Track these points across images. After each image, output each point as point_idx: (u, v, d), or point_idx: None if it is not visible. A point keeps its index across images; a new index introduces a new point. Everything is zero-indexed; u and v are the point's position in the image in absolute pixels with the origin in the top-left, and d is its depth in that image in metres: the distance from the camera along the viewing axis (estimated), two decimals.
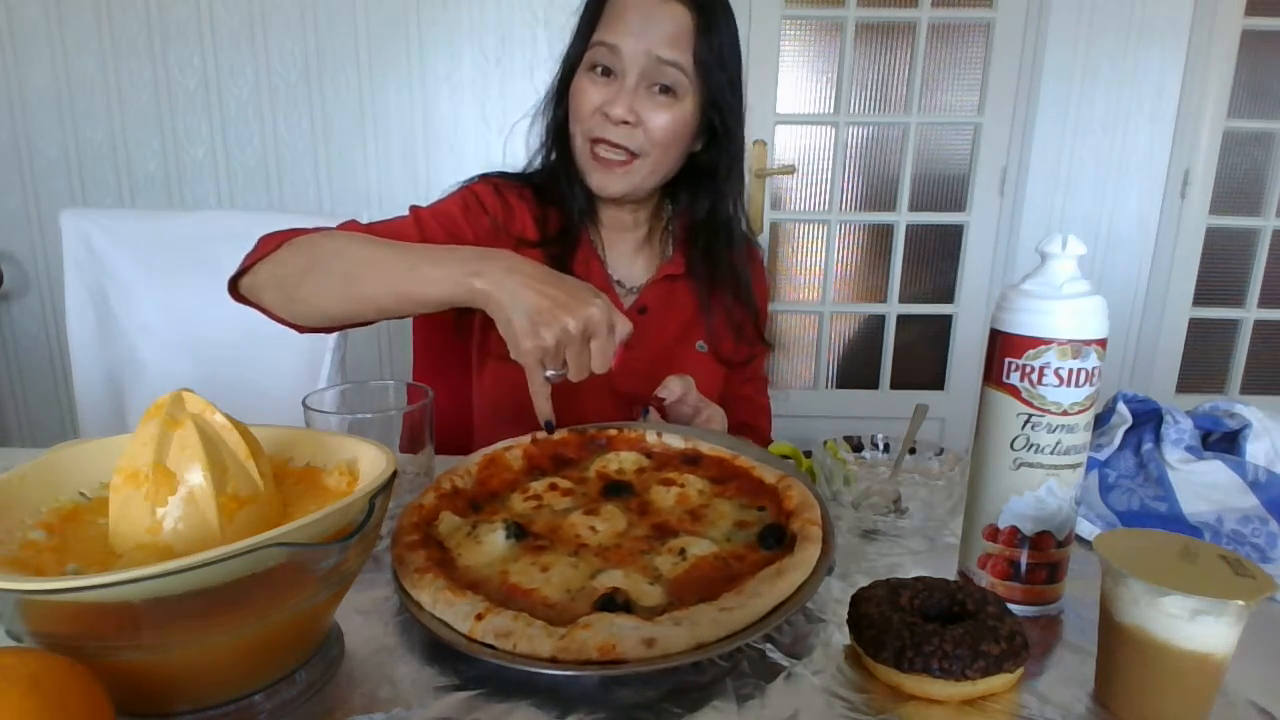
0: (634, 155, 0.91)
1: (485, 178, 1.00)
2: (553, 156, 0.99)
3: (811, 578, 0.51)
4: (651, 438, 0.71)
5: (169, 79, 2.24)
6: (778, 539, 0.56)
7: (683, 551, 0.55)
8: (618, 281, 1.02)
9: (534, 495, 0.64)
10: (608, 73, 0.89)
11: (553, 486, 0.65)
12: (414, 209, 0.93)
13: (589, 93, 0.89)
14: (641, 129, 0.89)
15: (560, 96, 0.95)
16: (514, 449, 0.70)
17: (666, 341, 1.00)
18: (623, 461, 0.68)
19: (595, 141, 0.90)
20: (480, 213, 0.95)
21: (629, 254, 1.03)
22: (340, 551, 0.43)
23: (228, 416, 0.48)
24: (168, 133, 2.27)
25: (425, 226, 0.90)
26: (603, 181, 0.92)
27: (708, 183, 0.98)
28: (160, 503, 0.45)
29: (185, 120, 2.26)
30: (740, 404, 0.99)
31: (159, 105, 2.25)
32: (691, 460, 0.69)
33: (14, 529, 0.47)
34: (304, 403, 0.63)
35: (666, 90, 0.89)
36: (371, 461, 0.52)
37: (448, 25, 2.22)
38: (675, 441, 0.70)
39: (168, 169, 2.29)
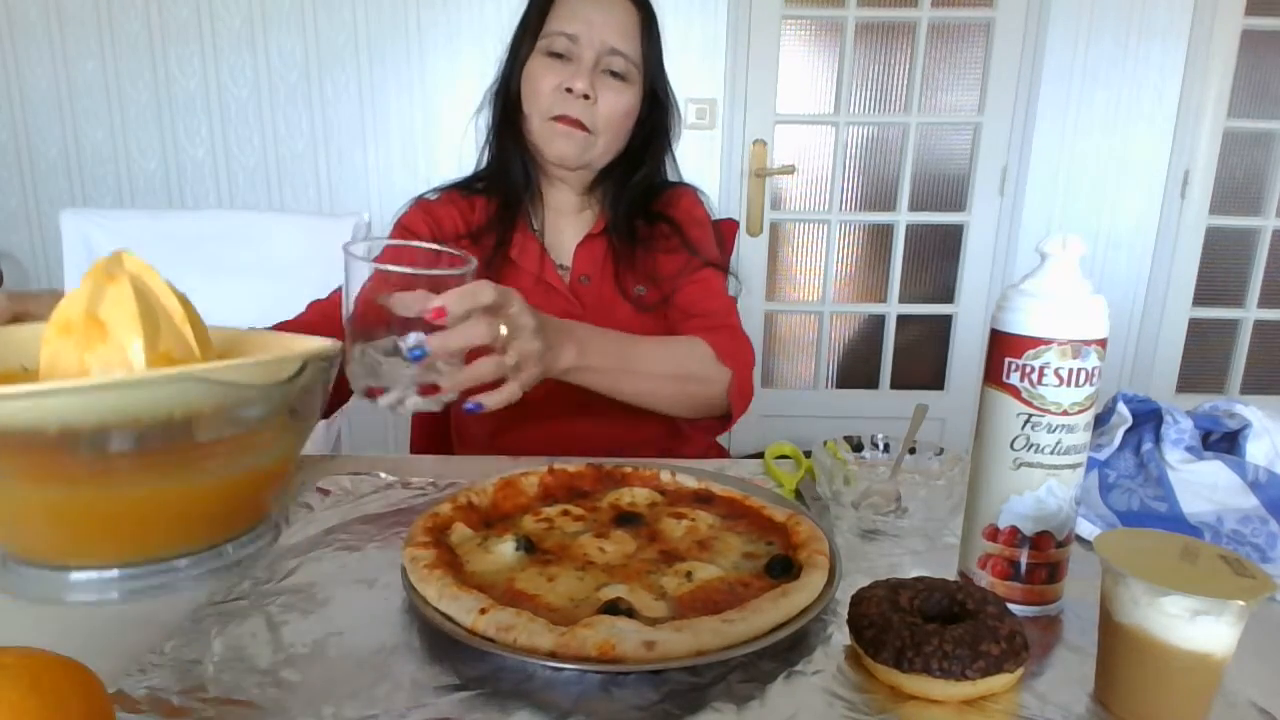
0: (590, 131, 0.94)
1: (416, 202, 1.05)
2: (495, 150, 1.03)
3: (815, 602, 0.52)
4: (665, 476, 0.73)
5: (169, 79, 2.24)
6: (784, 568, 0.56)
7: (689, 574, 0.56)
8: (560, 266, 1.03)
9: (545, 518, 0.65)
10: (561, 58, 0.93)
11: (565, 513, 0.66)
12: None
13: (546, 74, 0.93)
14: (597, 107, 0.93)
15: (506, 90, 0.99)
16: (530, 476, 0.71)
17: (612, 299, 1.01)
18: (635, 496, 0.70)
19: (555, 119, 0.94)
20: (417, 240, 1.00)
21: (573, 238, 1.04)
22: (265, 400, 0.43)
23: (170, 285, 0.49)
24: (168, 133, 2.27)
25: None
26: (564, 146, 0.95)
27: (643, 160, 1.03)
28: (89, 350, 0.45)
29: (185, 120, 2.27)
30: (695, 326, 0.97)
31: (159, 105, 2.25)
32: (704, 499, 0.70)
33: None
34: (345, 248, 0.60)
35: (617, 76, 0.94)
36: (319, 352, 0.53)
37: (448, 25, 2.22)
38: (688, 481, 0.72)
39: (168, 169, 2.30)
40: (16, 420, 0.37)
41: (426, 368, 0.59)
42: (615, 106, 0.94)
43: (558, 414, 0.99)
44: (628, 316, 1.00)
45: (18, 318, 0.60)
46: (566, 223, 1.04)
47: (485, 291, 0.62)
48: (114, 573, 0.48)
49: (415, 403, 0.60)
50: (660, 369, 0.87)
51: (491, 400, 0.66)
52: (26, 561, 0.49)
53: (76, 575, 0.47)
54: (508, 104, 0.99)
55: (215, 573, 0.49)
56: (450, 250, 0.63)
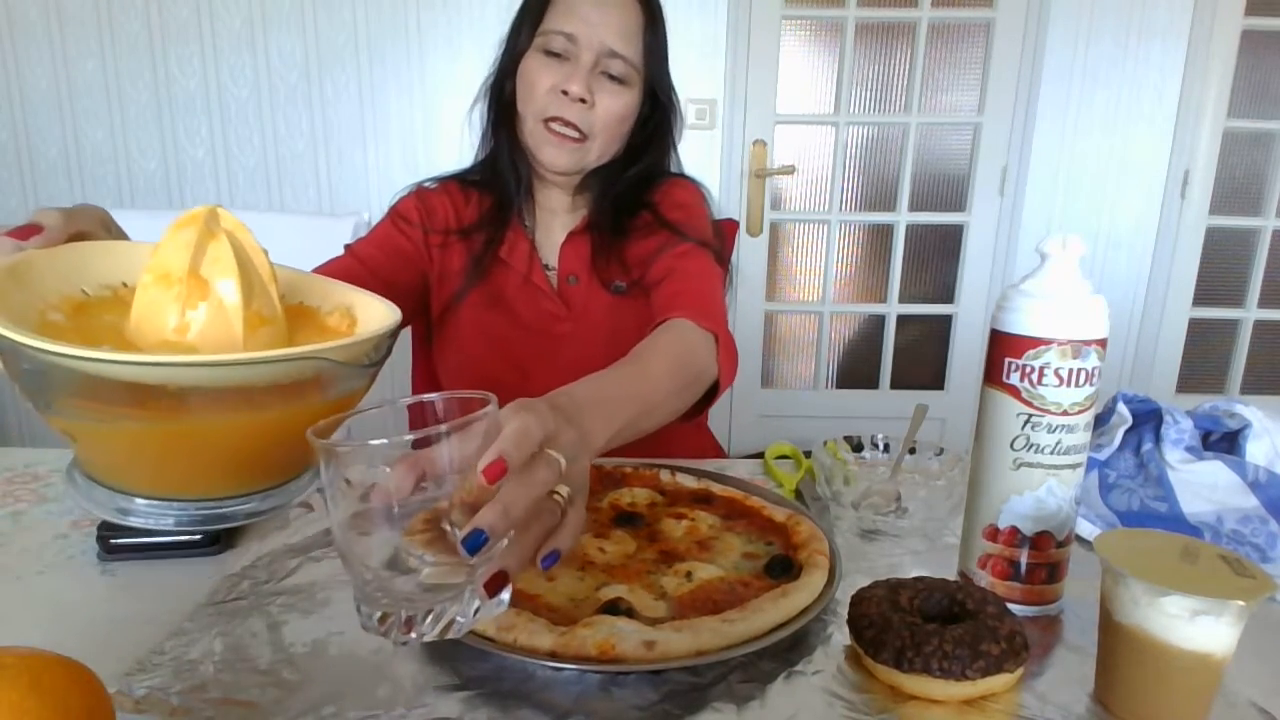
0: (584, 136, 0.93)
1: (414, 188, 1.04)
2: (490, 146, 1.01)
3: (815, 602, 0.52)
4: (665, 476, 0.73)
5: (169, 79, 2.24)
6: (784, 568, 0.56)
7: (689, 574, 0.56)
8: (547, 266, 1.01)
9: None
10: (558, 57, 0.91)
11: None
12: (349, 248, 0.98)
13: (542, 74, 0.91)
14: (593, 111, 0.91)
15: (500, 85, 0.97)
16: None
17: (596, 297, 1.00)
18: (635, 496, 0.70)
19: (549, 121, 0.92)
20: (408, 225, 1.00)
21: (560, 237, 1.02)
22: (361, 376, 0.48)
23: (256, 242, 0.51)
24: (168, 133, 2.27)
25: (364, 259, 0.96)
26: (554, 155, 0.93)
27: (641, 158, 1.01)
28: (191, 306, 0.48)
29: (185, 120, 2.27)
30: (668, 301, 0.89)
31: (159, 105, 2.25)
32: (703, 499, 0.70)
33: (32, 304, 0.49)
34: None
35: (615, 79, 0.92)
36: (369, 308, 0.56)
37: (448, 26, 2.22)
38: (688, 481, 0.72)
39: (168, 169, 2.30)
40: (145, 378, 0.40)
41: (487, 555, 0.40)
42: (612, 110, 0.92)
43: None
44: (608, 310, 0.99)
45: (73, 238, 0.58)
46: (557, 221, 1.03)
47: (543, 416, 0.45)
48: (174, 504, 0.50)
49: (483, 611, 0.42)
50: (670, 393, 0.72)
51: (565, 541, 0.46)
52: (97, 481, 0.51)
53: (140, 502, 0.50)
54: (502, 98, 0.97)
55: (272, 513, 0.52)
56: (457, 394, 0.44)
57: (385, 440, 0.40)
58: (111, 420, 0.46)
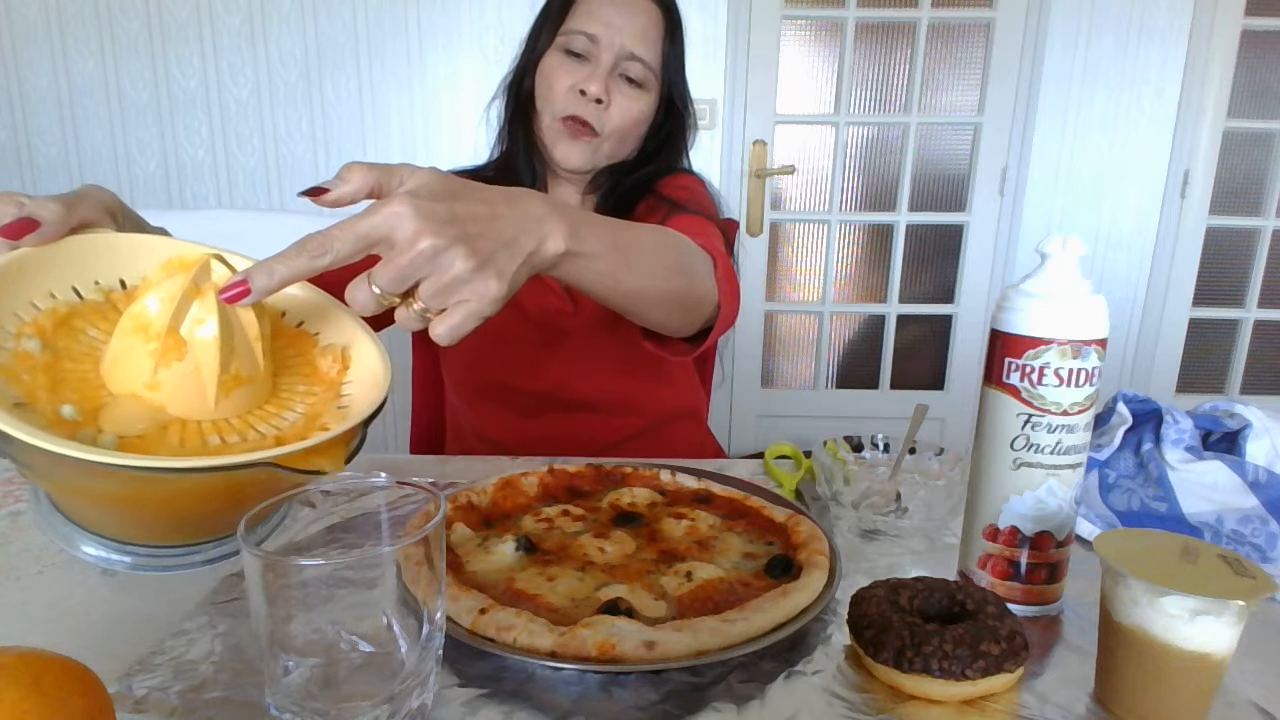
0: (598, 135, 0.94)
1: None
2: (504, 144, 1.02)
3: (815, 602, 0.52)
4: (665, 476, 0.73)
5: (169, 79, 2.24)
6: (784, 568, 0.56)
7: (689, 574, 0.56)
8: None
9: (546, 518, 0.65)
10: (579, 57, 0.92)
11: (565, 513, 0.66)
12: None
13: (561, 73, 0.92)
14: (609, 112, 0.93)
15: (519, 82, 0.98)
16: (530, 476, 0.71)
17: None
18: (635, 496, 0.70)
19: (566, 119, 0.93)
20: None
21: None
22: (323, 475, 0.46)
23: None
24: (168, 133, 2.27)
25: None
26: (568, 151, 0.94)
27: (652, 162, 1.02)
28: (165, 365, 0.46)
29: (185, 120, 2.27)
30: None
31: (159, 105, 2.25)
32: (703, 500, 0.70)
33: (6, 323, 0.47)
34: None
35: (633, 82, 0.93)
36: (364, 357, 0.53)
37: (448, 25, 2.23)
38: (688, 481, 0.73)
39: (168, 169, 2.30)
40: (97, 464, 0.40)
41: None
42: (627, 114, 0.93)
43: (544, 410, 0.98)
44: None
45: (75, 230, 0.54)
46: None
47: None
48: (130, 548, 0.50)
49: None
50: (657, 260, 0.66)
51: (442, 328, 0.52)
52: (60, 510, 0.51)
53: (100, 540, 0.50)
54: (521, 96, 0.99)
55: (230, 560, 0.51)
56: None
57: (322, 560, 0.42)
58: (71, 480, 0.45)
